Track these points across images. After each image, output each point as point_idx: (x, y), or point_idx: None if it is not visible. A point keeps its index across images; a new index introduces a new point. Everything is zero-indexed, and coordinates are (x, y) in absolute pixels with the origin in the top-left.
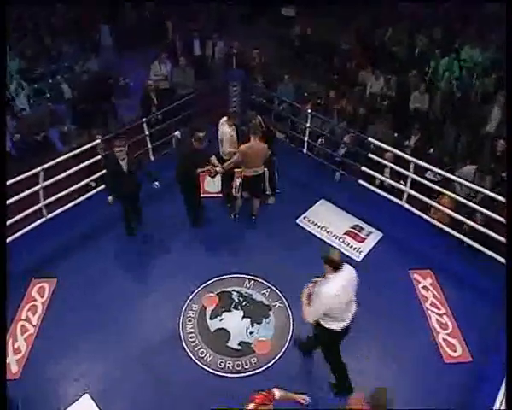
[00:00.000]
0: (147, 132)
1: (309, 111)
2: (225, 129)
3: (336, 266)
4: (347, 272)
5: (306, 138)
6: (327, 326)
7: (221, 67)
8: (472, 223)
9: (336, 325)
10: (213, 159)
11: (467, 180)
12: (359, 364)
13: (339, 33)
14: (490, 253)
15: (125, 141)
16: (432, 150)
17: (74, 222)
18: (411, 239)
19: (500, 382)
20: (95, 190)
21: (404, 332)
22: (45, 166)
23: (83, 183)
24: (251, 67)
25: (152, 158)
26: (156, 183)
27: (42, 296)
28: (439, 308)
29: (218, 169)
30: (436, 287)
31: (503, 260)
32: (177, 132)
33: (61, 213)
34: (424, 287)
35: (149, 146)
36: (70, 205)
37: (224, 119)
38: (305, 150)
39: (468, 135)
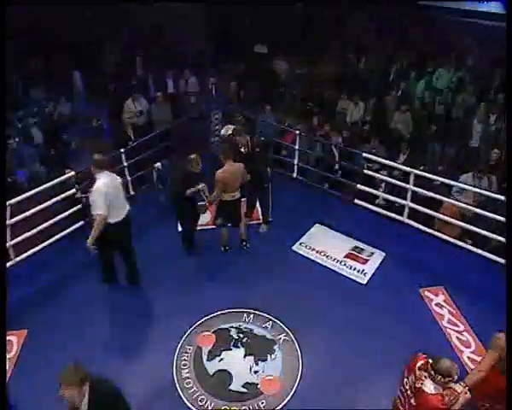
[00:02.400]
0: (125, 164)
1: (297, 132)
2: None
3: (101, 166)
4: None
5: (296, 162)
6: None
7: (197, 101)
8: (479, 230)
9: (114, 219)
10: (202, 187)
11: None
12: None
13: (311, 65)
14: (499, 259)
15: None
16: (422, 167)
17: (46, 265)
18: (416, 255)
19: None
20: (69, 229)
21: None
22: (12, 201)
23: (56, 219)
24: (230, 98)
25: (132, 192)
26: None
27: (9, 351)
28: (457, 325)
29: (200, 186)
30: (450, 303)
31: None
32: (158, 164)
33: (31, 254)
34: (438, 304)
35: (128, 179)
36: (41, 246)
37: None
38: (295, 174)
39: (454, 149)
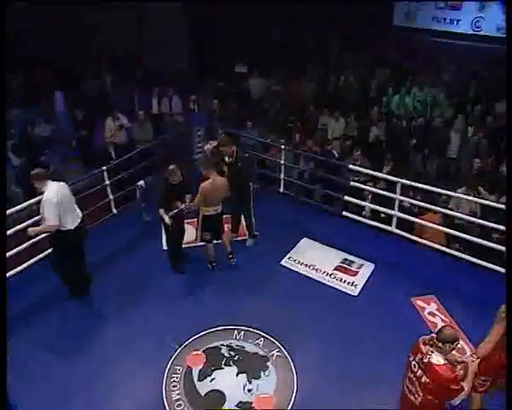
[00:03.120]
0: (107, 182)
1: (282, 147)
2: None
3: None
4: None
5: (282, 176)
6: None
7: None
8: (467, 236)
9: (71, 226)
10: (185, 206)
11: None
12: None
13: (290, 83)
14: (489, 265)
15: None
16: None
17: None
18: (406, 265)
19: None
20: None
21: None
22: None
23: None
24: (212, 115)
25: (114, 211)
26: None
27: None
28: None
29: (180, 206)
30: (442, 311)
31: (502, 269)
32: (141, 182)
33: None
34: (430, 313)
35: (111, 197)
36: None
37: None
38: (281, 189)
39: (435, 160)
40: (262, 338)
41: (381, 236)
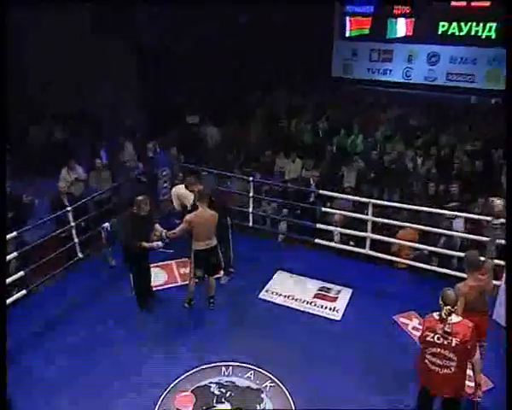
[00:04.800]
0: (72, 224)
1: (250, 179)
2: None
3: None
4: None
5: (251, 210)
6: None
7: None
8: (438, 249)
9: None
10: (158, 227)
11: None
12: None
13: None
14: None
15: None
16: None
17: None
18: (383, 286)
19: None
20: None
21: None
22: None
23: None
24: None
25: (80, 255)
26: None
27: None
28: None
29: (163, 234)
30: None
31: None
32: (106, 224)
33: None
34: (414, 328)
35: (76, 240)
36: None
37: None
38: (250, 223)
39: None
40: (252, 371)
41: (354, 260)
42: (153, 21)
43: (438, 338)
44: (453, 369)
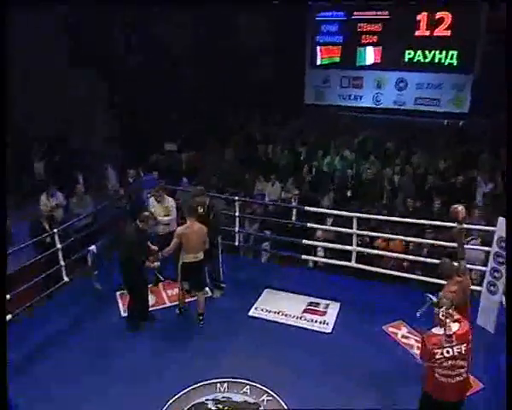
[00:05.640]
0: (58, 246)
1: (236, 198)
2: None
3: None
4: None
5: (237, 229)
6: None
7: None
8: (423, 258)
9: None
10: (151, 246)
11: None
12: None
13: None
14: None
15: None
16: None
17: None
18: (370, 298)
19: None
20: None
21: (408, 381)
22: None
23: None
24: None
25: (66, 279)
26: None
27: None
28: None
29: (159, 254)
30: (413, 333)
31: None
32: (92, 247)
33: None
34: (403, 336)
35: (62, 263)
36: None
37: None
38: (236, 242)
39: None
40: (248, 386)
41: (340, 274)
42: (129, 51)
43: (447, 352)
44: (464, 375)
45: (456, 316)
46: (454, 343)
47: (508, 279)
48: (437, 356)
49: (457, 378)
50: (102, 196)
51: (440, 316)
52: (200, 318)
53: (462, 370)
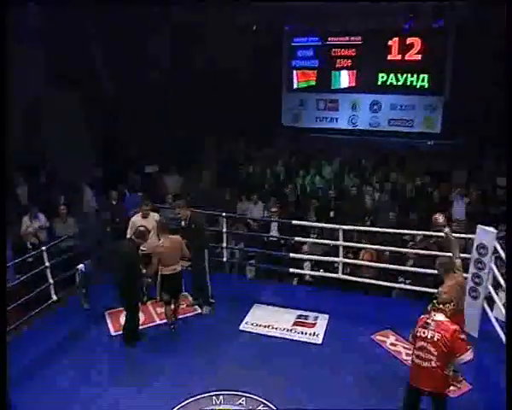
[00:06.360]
0: (47, 264)
1: (223, 214)
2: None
3: None
4: None
5: (225, 244)
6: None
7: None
8: (402, 267)
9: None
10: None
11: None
12: None
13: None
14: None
15: None
16: None
17: None
18: (357, 308)
19: None
20: None
21: (397, 386)
22: None
23: None
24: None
25: (54, 297)
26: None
27: None
28: None
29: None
30: (401, 340)
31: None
32: (81, 266)
33: None
34: (392, 344)
35: (51, 281)
36: None
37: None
38: (224, 258)
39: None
40: (244, 398)
41: (327, 287)
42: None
43: (423, 333)
44: (433, 363)
45: (449, 318)
46: (431, 328)
47: (508, 289)
48: (418, 334)
49: (426, 364)
50: (85, 217)
51: (429, 307)
52: (172, 326)
53: (433, 358)
